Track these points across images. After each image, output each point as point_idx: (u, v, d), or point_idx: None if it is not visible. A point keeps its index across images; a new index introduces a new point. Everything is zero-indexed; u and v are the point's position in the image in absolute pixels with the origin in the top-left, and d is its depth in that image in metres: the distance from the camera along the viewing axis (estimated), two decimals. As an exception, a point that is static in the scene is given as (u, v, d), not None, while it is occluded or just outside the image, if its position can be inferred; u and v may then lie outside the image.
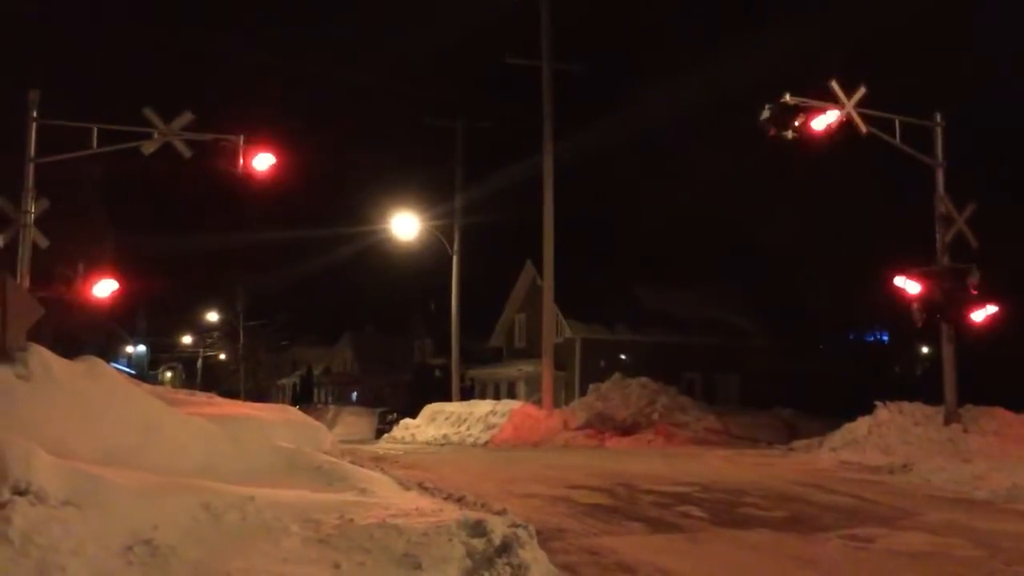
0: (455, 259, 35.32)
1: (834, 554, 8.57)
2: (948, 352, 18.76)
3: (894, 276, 18.45)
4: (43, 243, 17.29)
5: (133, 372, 54.39)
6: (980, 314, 17.98)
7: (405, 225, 35.11)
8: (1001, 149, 32.16)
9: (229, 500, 7.16)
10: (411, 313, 63.76)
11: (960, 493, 13.08)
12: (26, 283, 16.28)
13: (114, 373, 11.46)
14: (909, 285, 18.27)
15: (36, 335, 12.49)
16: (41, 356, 9.86)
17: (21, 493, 6.20)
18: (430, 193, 38.22)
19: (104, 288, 18.36)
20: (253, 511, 7.08)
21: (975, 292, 17.93)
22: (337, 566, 6.19)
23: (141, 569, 5.96)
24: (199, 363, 78.23)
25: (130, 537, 6.25)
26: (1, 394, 9.00)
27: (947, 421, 18.43)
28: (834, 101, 17.93)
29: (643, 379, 28.85)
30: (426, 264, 43.90)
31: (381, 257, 47.91)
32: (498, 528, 6.94)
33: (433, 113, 36.33)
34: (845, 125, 18.05)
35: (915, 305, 18.29)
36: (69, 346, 14.63)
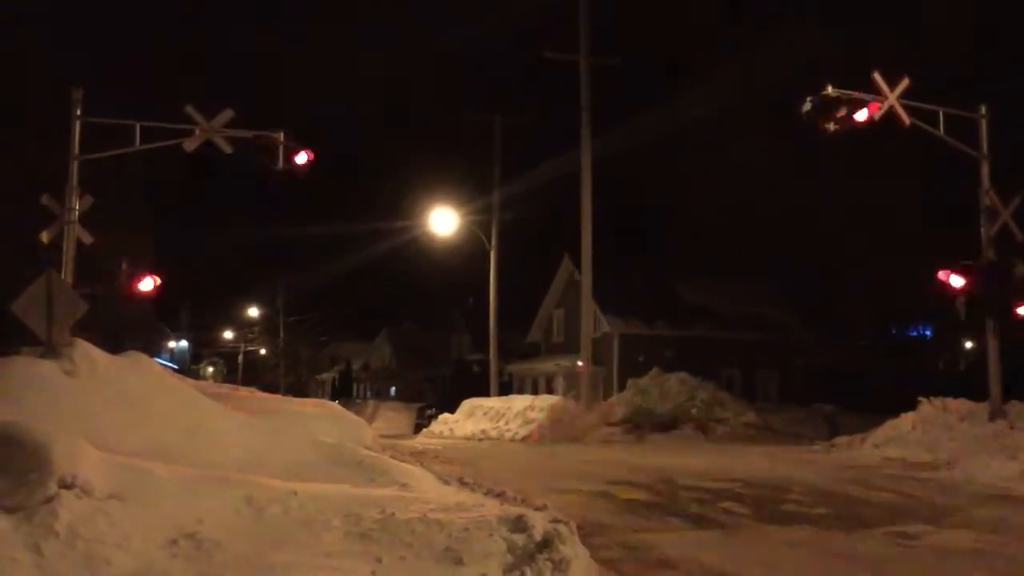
0: (493, 254, 35.32)
1: (879, 551, 8.47)
2: (993, 347, 18.50)
3: (938, 270, 18.20)
4: (87, 239, 17.50)
5: (175, 367, 54.83)
6: (1025, 308, 17.70)
7: (443, 220, 35.14)
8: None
9: (272, 494, 7.19)
10: (449, 309, 63.92)
11: (1006, 490, 12.89)
12: (70, 280, 16.48)
13: (158, 368, 11.58)
14: (953, 279, 18.01)
15: (80, 331, 12.65)
16: (86, 351, 9.97)
17: (67, 487, 6.26)
18: (468, 188, 38.28)
19: (147, 284, 18.54)
20: (295, 505, 7.11)
21: (1021, 285, 17.65)
22: (379, 560, 6.19)
23: (185, 562, 6.00)
24: (240, 358, 78.85)
25: (174, 530, 6.30)
26: (47, 389, 9.11)
27: (992, 417, 18.16)
28: (877, 93, 17.73)
29: (682, 374, 28.70)
30: (464, 259, 44.04)
31: (419, 253, 48.11)
32: (539, 523, 6.91)
33: (472, 108, 36.37)
34: (888, 117, 17.83)
35: (959, 299, 18.04)
36: (113, 342, 14.77)
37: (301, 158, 18.37)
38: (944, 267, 18.16)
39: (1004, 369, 18.47)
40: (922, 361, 41.74)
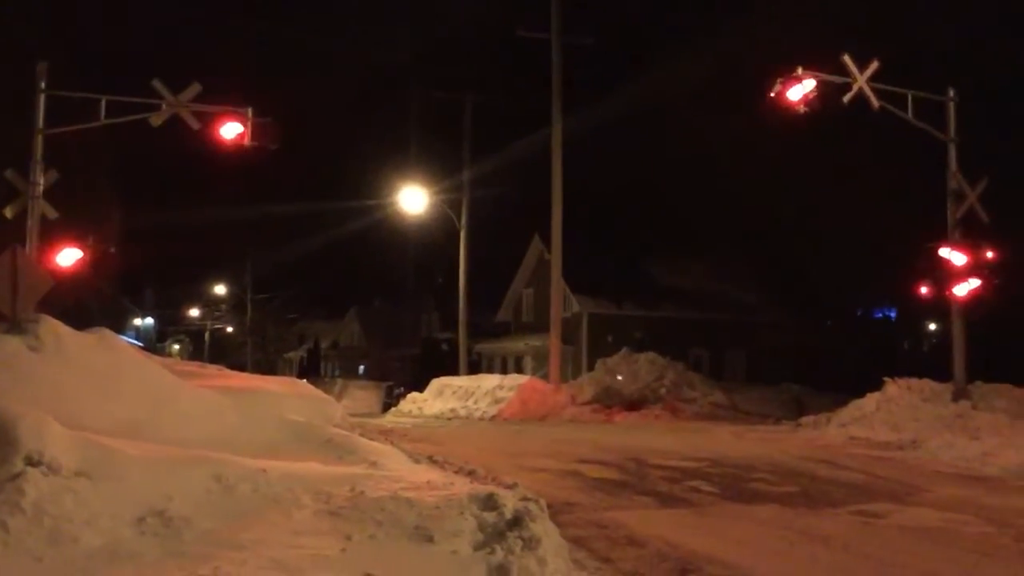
0: (463, 233, 35.22)
1: (844, 529, 8.58)
2: (957, 328, 18.70)
3: (903, 252, 18.38)
4: (52, 215, 17.27)
5: (141, 344, 54.48)
6: (988, 290, 17.91)
7: (413, 199, 35.02)
8: (1015, 123, 31.96)
9: (241, 472, 7.16)
10: (419, 287, 63.81)
11: (969, 469, 13.08)
12: (35, 255, 16.27)
13: (125, 345, 11.46)
14: (919, 260, 18.19)
15: (45, 306, 12.51)
16: (52, 327, 9.84)
17: (34, 464, 6.20)
18: (439, 167, 38.12)
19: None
20: (265, 483, 7.08)
21: (986, 267, 17.86)
22: (348, 538, 6.18)
23: (154, 539, 5.96)
24: (206, 336, 78.38)
25: (143, 508, 6.25)
26: (12, 365, 9.00)
27: (956, 397, 18.37)
28: (846, 75, 17.82)
29: (650, 354, 28.81)
30: (434, 238, 43.93)
31: (389, 231, 47.94)
32: (509, 502, 6.93)
33: (443, 86, 36.13)
34: (857, 99, 17.94)
35: (924, 280, 18.23)
36: (78, 318, 14.60)
37: (269, 133, 18.21)
38: (910, 249, 18.35)
39: (967, 350, 18.68)
40: (887, 342, 42.23)
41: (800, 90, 17.46)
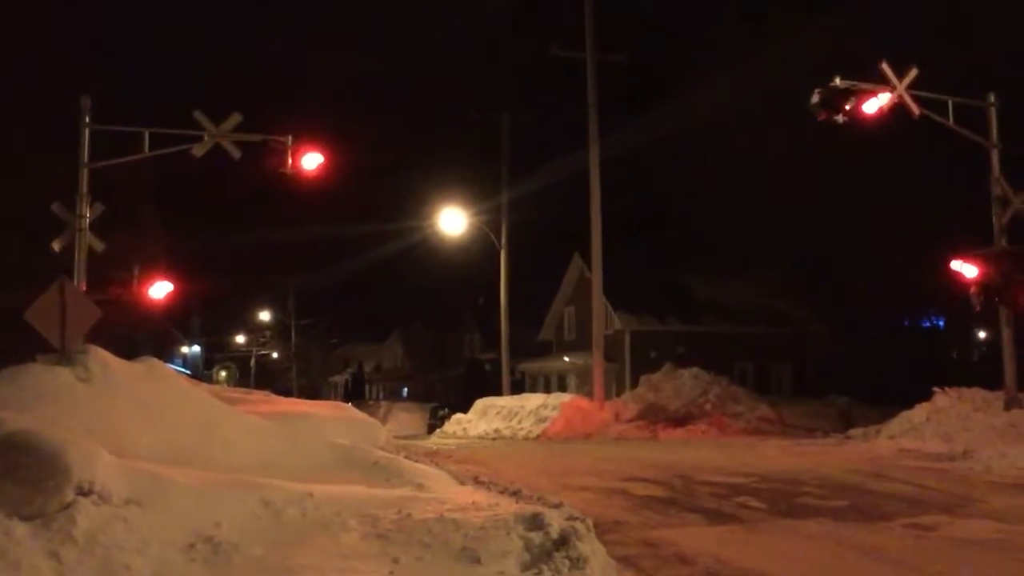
0: (503, 253, 35.29)
1: (897, 543, 8.44)
2: (1007, 336, 18.45)
3: (950, 260, 18.14)
4: (98, 247, 17.56)
5: (188, 372, 55.07)
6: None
7: (452, 220, 35.17)
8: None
9: (288, 496, 7.21)
10: (460, 308, 63.91)
11: (1023, 479, 12.83)
12: (82, 287, 16.53)
13: (172, 373, 11.60)
14: (966, 268, 17.95)
15: (94, 338, 12.68)
16: (100, 358, 9.99)
17: (85, 493, 6.28)
18: (478, 187, 38.29)
19: (159, 290, 18.61)
20: (312, 507, 7.12)
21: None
22: (396, 561, 6.20)
23: (204, 566, 6.02)
24: (252, 362, 79.09)
25: (192, 535, 6.31)
26: (62, 396, 9.13)
27: (1007, 406, 18.09)
28: (885, 83, 17.68)
29: (695, 369, 28.65)
30: (474, 259, 44.03)
31: (429, 253, 48.16)
32: (555, 521, 6.91)
33: (480, 108, 36.27)
34: (897, 107, 17.79)
35: (972, 289, 17.98)
36: (126, 348, 14.82)
37: (310, 161, 18.41)
38: (956, 257, 18.11)
39: (1019, 358, 18.40)
40: (935, 352, 41.60)
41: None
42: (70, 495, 6.22)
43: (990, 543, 8.42)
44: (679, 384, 28.03)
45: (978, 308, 18.20)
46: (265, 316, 73.67)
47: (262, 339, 75.61)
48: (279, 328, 71.21)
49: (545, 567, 6.20)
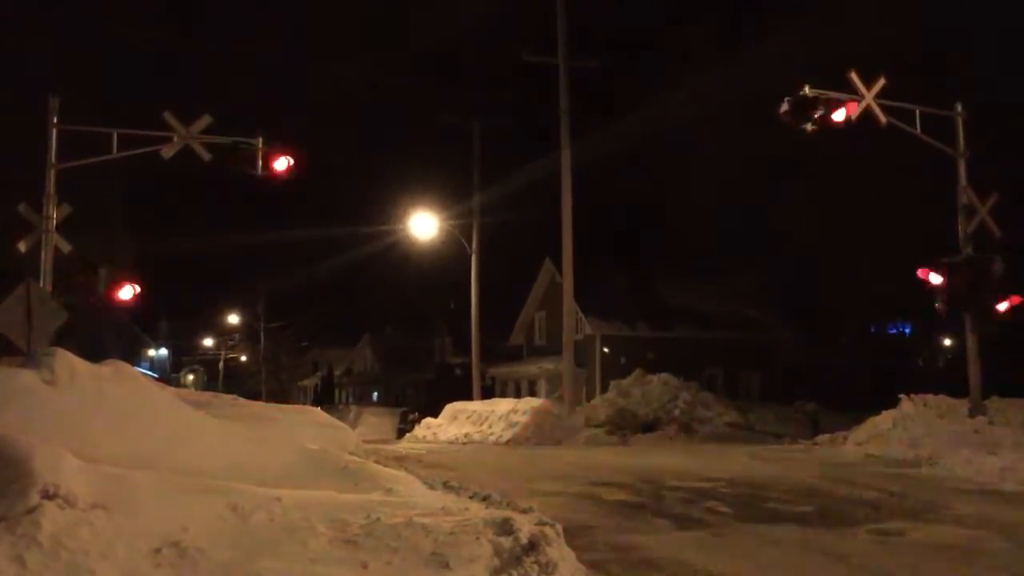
0: (474, 258, 35.29)
1: (863, 548, 8.51)
2: (972, 343, 18.62)
3: (916, 268, 18.31)
4: (65, 248, 17.40)
5: (156, 375, 54.63)
6: (1004, 304, 17.82)
7: (423, 224, 35.12)
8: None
9: (256, 501, 7.16)
10: (430, 313, 63.80)
11: (987, 485, 12.98)
12: (49, 288, 16.37)
13: (139, 376, 11.49)
14: (932, 276, 18.12)
15: (59, 339, 12.57)
16: (66, 360, 9.88)
17: (50, 497, 6.21)
18: (448, 192, 38.36)
19: (126, 292, 18.45)
20: (280, 512, 7.08)
21: (999, 282, 17.79)
22: (365, 566, 6.18)
23: (170, 571, 5.96)
24: (220, 365, 78.58)
25: (159, 539, 6.25)
26: (27, 398, 9.02)
27: (972, 413, 18.29)
28: (853, 93, 17.84)
29: (664, 375, 28.77)
30: (445, 263, 43.96)
31: (400, 257, 48.03)
32: (525, 526, 6.92)
33: (451, 112, 36.25)
34: (865, 116, 17.95)
35: (938, 296, 18.16)
36: (92, 350, 14.67)
37: (280, 164, 18.34)
38: (922, 265, 18.28)
39: (983, 365, 18.59)
40: (902, 358, 42.02)
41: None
42: (35, 499, 6.15)
43: (954, 548, 8.51)
44: (648, 390, 28.14)
45: (943, 315, 18.40)
46: (234, 319, 73.22)
47: (231, 342, 75.16)
48: (248, 331, 70.81)
49: (514, 572, 6.20)
